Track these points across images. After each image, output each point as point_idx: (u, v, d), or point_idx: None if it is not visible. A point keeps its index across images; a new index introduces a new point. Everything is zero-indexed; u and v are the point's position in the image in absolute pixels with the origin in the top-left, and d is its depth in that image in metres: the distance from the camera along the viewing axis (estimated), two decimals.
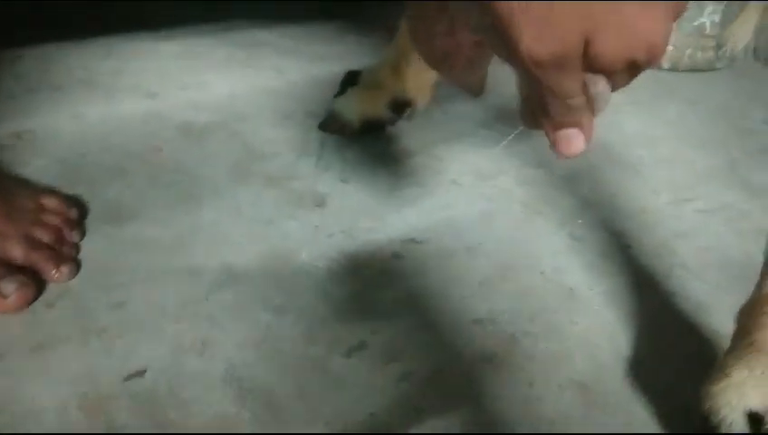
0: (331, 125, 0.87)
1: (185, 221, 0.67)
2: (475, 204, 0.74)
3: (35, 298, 0.55)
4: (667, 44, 0.30)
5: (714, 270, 0.68)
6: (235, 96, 0.94)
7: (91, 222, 0.66)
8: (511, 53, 0.29)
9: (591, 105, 0.33)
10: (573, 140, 0.33)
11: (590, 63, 0.30)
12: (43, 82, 0.92)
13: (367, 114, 0.86)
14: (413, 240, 0.67)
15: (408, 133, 0.87)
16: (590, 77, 0.31)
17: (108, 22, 1.13)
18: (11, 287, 0.54)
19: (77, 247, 0.62)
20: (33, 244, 0.58)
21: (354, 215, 0.70)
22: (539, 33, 0.28)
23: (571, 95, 0.31)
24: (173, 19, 1.16)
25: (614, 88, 0.32)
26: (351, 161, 0.80)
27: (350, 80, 0.89)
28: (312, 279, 0.60)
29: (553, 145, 0.34)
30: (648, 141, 0.91)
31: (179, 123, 0.85)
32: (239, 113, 0.89)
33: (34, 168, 0.73)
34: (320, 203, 0.72)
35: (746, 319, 0.46)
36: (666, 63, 1.15)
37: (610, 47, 0.29)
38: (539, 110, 0.33)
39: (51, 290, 0.57)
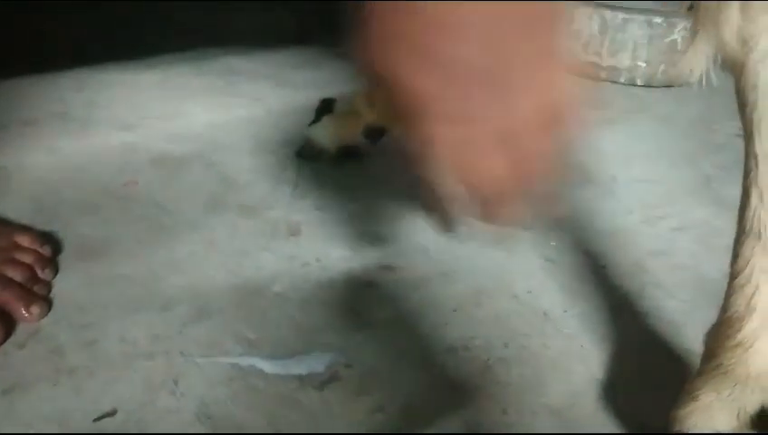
0: (307, 153, 0.87)
1: (158, 255, 0.67)
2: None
3: (6, 339, 0.55)
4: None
5: (687, 288, 0.68)
6: (212, 125, 0.94)
7: (64, 259, 0.66)
8: None
9: None
10: None
11: None
12: (17, 117, 0.92)
13: (342, 141, 0.86)
14: (387, 267, 0.67)
15: (383, 159, 0.87)
16: None
17: (82, 53, 1.13)
18: None
19: (49, 286, 0.61)
20: (5, 283, 0.58)
21: (329, 243, 0.70)
22: None
23: None
24: (149, 48, 1.17)
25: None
26: (327, 189, 0.81)
27: (326, 107, 0.89)
28: (284, 312, 0.60)
29: None
30: (623, 159, 0.92)
31: (155, 155, 0.85)
32: (216, 143, 0.89)
33: (8, 204, 0.73)
34: (295, 232, 0.72)
35: (713, 342, 0.46)
36: (640, 80, 1.17)
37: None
38: None
39: (22, 329, 0.57)
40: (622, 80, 1.17)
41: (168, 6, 1.50)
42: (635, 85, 1.16)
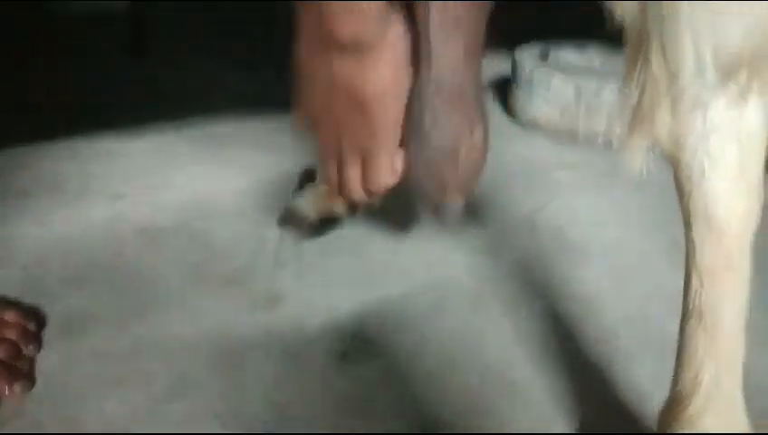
0: (289, 221, 0.90)
1: (141, 329, 0.69)
2: (425, 296, 0.77)
3: None
4: None
5: (657, 356, 0.70)
6: (198, 194, 0.97)
7: (48, 333, 0.68)
8: None
9: None
10: None
11: None
12: (11, 188, 0.96)
13: (323, 210, 0.89)
14: (362, 338, 0.69)
15: (363, 226, 0.90)
16: None
17: (75, 123, 1.17)
18: None
19: (33, 362, 0.63)
20: None
21: (307, 312, 0.72)
22: None
23: None
24: (139, 117, 1.21)
25: None
26: (308, 256, 0.83)
27: (308, 177, 0.92)
28: (259, 386, 0.62)
29: None
30: (597, 224, 0.95)
31: (142, 226, 0.87)
32: (201, 212, 0.92)
33: None
34: (274, 302, 0.74)
35: (665, 416, 0.48)
36: (615, 144, 1.20)
37: None
38: None
39: (4, 407, 0.58)
40: (599, 143, 1.21)
41: (158, 72, 1.55)
42: (610, 150, 1.19)
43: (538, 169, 1.13)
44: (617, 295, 0.79)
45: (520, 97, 1.30)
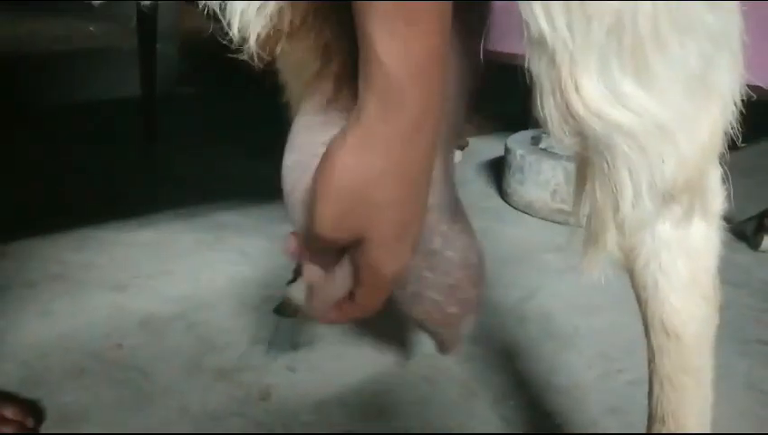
0: (285, 310, 0.92)
1: (134, 422, 0.70)
2: (416, 387, 0.79)
3: None
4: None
5: None
6: (198, 284, 1.00)
7: (46, 426, 0.70)
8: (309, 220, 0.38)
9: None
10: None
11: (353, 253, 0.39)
12: (17, 279, 0.99)
13: None
14: (350, 434, 0.71)
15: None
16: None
17: (86, 211, 1.22)
18: None
19: None
20: None
21: (296, 408, 0.74)
22: (334, 223, 0.37)
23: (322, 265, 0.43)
24: (147, 205, 1.25)
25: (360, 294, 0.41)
26: (302, 346, 0.85)
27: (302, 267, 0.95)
28: None
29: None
30: (586, 310, 0.97)
31: (142, 317, 0.90)
32: (199, 302, 0.94)
33: (0, 370, 0.78)
34: (265, 396, 0.76)
35: None
36: (598, 274, 1.23)
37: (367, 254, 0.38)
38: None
39: None
40: (582, 273, 1.24)
41: (169, 158, 1.62)
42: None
43: (530, 253, 1.16)
44: (603, 384, 0.81)
45: (512, 181, 1.34)
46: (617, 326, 0.93)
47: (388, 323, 0.90)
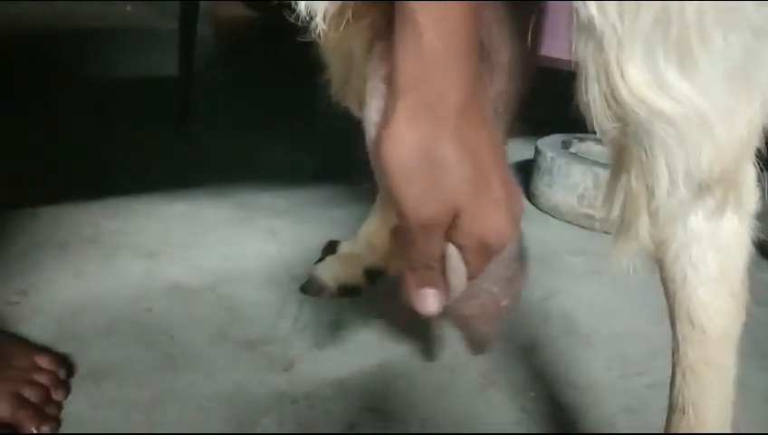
0: (311, 289, 0.94)
1: (162, 383, 0.73)
2: (435, 373, 0.80)
3: None
4: (510, 238, 0.39)
5: None
6: (227, 258, 1.02)
7: (77, 380, 0.72)
8: (397, 212, 0.38)
9: (446, 274, 0.40)
10: (428, 298, 0.41)
11: (452, 234, 0.38)
12: (52, 239, 1.02)
13: (343, 281, 0.93)
14: (371, 409, 0.72)
15: (382, 296, 0.94)
16: (448, 247, 0.39)
17: (118, 182, 1.25)
18: None
19: (60, 406, 0.67)
20: (21, 403, 0.64)
21: (319, 381, 0.76)
22: (420, 201, 0.36)
23: (432, 256, 0.39)
24: (178, 180, 1.28)
25: (469, 269, 0.40)
26: (326, 325, 0.87)
27: (330, 248, 0.97)
28: None
29: (411, 301, 0.41)
30: (606, 313, 0.98)
31: (171, 285, 0.93)
32: (228, 275, 0.97)
33: (34, 324, 0.81)
34: (288, 367, 0.78)
35: None
36: (627, 266, 1.23)
37: (469, 225, 0.37)
38: (407, 267, 0.41)
39: None
40: (611, 267, 1.24)
41: (199, 139, 1.65)
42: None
43: (553, 254, 1.17)
44: (620, 386, 0.81)
45: (540, 183, 1.35)
46: (637, 331, 0.94)
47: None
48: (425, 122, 0.35)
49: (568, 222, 1.30)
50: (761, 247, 1.22)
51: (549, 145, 1.37)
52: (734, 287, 0.45)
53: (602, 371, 0.84)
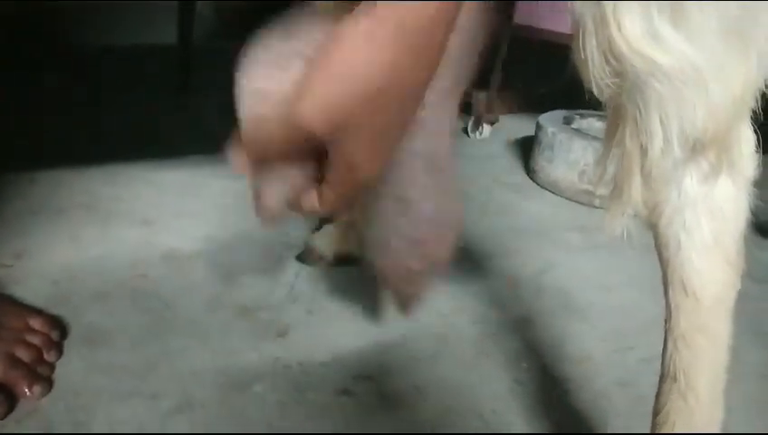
0: (307, 258, 0.94)
1: (154, 347, 0.73)
2: (429, 342, 0.80)
3: (7, 414, 0.61)
4: (371, 177, 0.41)
5: (644, 422, 0.71)
6: (224, 227, 1.02)
7: (69, 343, 0.72)
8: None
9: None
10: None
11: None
12: (48, 205, 1.02)
13: (340, 250, 0.93)
14: (364, 377, 0.72)
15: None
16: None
17: (115, 149, 1.25)
18: None
19: (52, 367, 0.67)
20: (14, 363, 0.64)
21: (313, 347, 0.76)
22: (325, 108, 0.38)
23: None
24: (175, 150, 1.27)
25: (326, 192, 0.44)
26: (320, 293, 0.87)
27: (327, 217, 0.97)
28: (261, 411, 0.65)
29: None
30: (601, 287, 0.97)
31: (166, 251, 0.92)
32: (224, 244, 0.96)
33: (28, 286, 0.80)
34: (282, 334, 0.78)
35: None
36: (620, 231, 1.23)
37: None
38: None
39: (21, 407, 0.62)
40: (605, 230, 1.23)
41: (198, 110, 1.64)
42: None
43: (551, 229, 1.17)
44: (614, 359, 0.81)
45: (540, 158, 1.34)
46: (632, 306, 0.94)
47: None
48: (382, 50, 0.36)
49: (567, 198, 1.30)
50: (759, 227, 1.21)
51: (550, 120, 1.36)
52: (729, 254, 0.45)
53: (596, 344, 0.84)
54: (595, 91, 0.39)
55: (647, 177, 0.42)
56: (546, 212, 1.25)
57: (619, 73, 0.37)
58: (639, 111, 0.39)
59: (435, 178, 0.55)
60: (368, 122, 0.38)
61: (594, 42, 0.37)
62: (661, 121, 0.38)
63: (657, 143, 0.39)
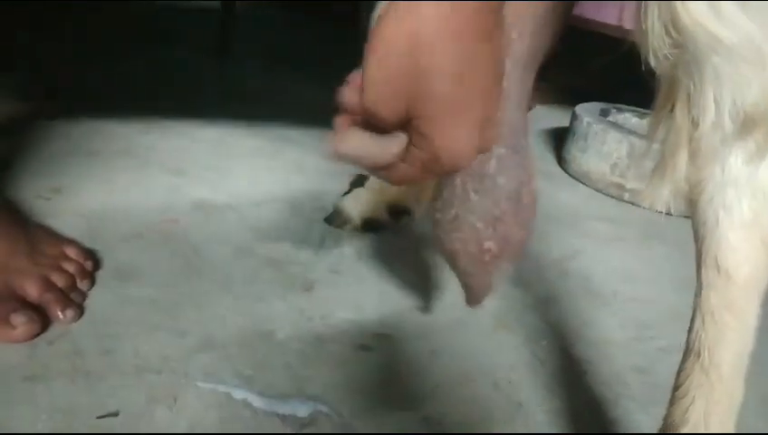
0: (335, 220, 0.95)
1: (183, 288, 0.74)
2: (450, 311, 0.81)
3: (39, 334, 0.63)
4: (464, 164, 0.38)
5: (661, 406, 0.72)
6: (254, 184, 1.03)
7: (101, 275, 0.74)
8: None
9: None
10: (346, 138, 0.42)
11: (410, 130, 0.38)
12: (88, 147, 1.04)
13: (367, 215, 0.94)
14: (383, 335, 0.73)
15: (405, 234, 0.94)
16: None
17: (153, 102, 1.26)
18: (20, 320, 0.61)
19: (84, 295, 0.69)
20: (49, 286, 0.66)
21: (336, 304, 0.77)
22: (381, 88, 0.36)
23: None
24: (212, 109, 1.29)
25: (407, 169, 0.40)
26: (347, 255, 0.88)
27: (358, 182, 0.98)
28: (282, 358, 0.67)
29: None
30: (627, 278, 0.97)
31: (197, 200, 0.94)
32: (254, 200, 0.98)
33: (64, 220, 0.82)
34: (308, 288, 0.79)
35: None
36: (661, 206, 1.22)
37: (427, 131, 0.37)
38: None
39: (53, 329, 0.64)
40: (644, 204, 1.23)
41: (237, 72, 1.65)
42: (655, 211, 1.22)
43: (579, 218, 1.16)
44: (633, 346, 0.82)
45: (573, 148, 1.34)
46: (655, 298, 0.94)
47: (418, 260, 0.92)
48: (428, 19, 0.33)
49: (598, 190, 1.29)
50: None
51: (587, 111, 1.36)
52: (766, 235, 0.45)
53: (616, 330, 0.84)
54: (651, 63, 0.39)
55: (694, 152, 0.42)
56: (575, 202, 1.25)
57: (679, 45, 0.37)
58: (694, 85, 0.39)
59: (512, 153, 0.54)
60: (435, 93, 0.34)
61: (657, 12, 0.37)
62: (715, 96, 0.38)
63: (708, 118, 0.39)
